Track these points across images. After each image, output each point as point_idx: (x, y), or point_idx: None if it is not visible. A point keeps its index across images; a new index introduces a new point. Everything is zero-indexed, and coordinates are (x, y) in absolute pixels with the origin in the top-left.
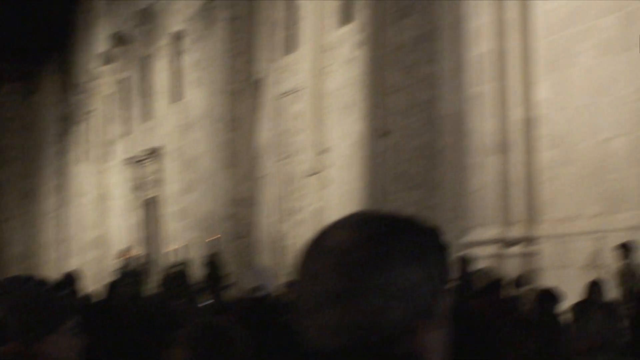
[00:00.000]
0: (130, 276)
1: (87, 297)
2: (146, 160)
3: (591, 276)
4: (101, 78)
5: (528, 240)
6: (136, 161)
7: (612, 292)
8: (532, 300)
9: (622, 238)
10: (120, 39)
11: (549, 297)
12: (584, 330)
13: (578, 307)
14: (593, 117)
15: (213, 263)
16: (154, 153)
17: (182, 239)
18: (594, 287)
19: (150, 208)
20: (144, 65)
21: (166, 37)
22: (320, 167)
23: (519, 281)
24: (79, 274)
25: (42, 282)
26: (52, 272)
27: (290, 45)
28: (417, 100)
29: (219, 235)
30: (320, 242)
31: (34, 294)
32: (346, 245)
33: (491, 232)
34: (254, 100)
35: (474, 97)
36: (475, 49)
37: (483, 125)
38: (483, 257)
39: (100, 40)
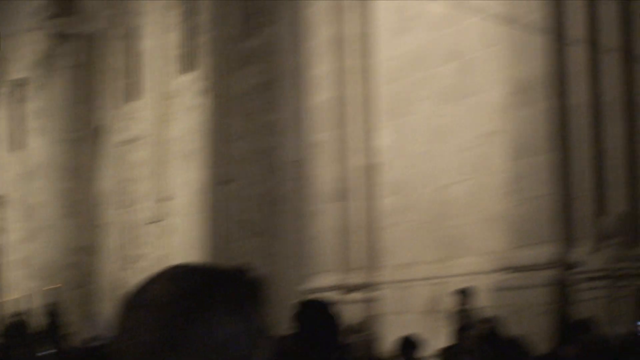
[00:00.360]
0: None
1: None
2: None
3: (451, 322)
4: None
5: (368, 286)
6: None
7: (450, 336)
8: (394, 346)
9: (461, 283)
10: None
11: (409, 343)
12: None
13: (447, 352)
14: (432, 163)
15: (53, 312)
16: None
17: (23, 288)
18: (463, 333)
19: None
20: None
21: (8, 85)
22: (162, 214)
23: (358, 327)
24: None
25: None
26: None
27: (132, 92)
28: (258, 148)
29: (60, 285)
30: (139, 296)
31: None
32: (164, 299)
33: (332, 278)
34: (96, 149)
35: (315, 144)
36: (316, 97)
37: (324, 172)
38: None
39: None
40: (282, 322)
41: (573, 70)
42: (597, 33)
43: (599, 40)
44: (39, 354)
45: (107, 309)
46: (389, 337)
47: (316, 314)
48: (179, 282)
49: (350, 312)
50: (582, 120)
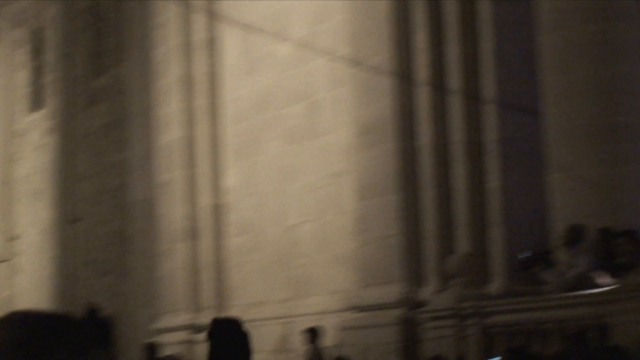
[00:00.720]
0: None
1: None
2: None
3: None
4: None
5: None
6: None
7: None
8: None
9: (309, 322)
10: None
11: None
12: None
13: None
14: (281, 203)
15: None
16: None
17: None
18: None
19: None
20: None
21: None
22: (10, 254)
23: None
24: None
25: None
26: None
27: None
28: (107, 187)
29: None
30: None
31: None
32: (6, 345)
33: (181, 318)
34: None
35: (164, 184)
36: (165, 136)
37: (173, 211)
38: (173, 344)
39: None
40: None
41: (420, 111)
42: (443, 75)
43: (445, 82)
44: None
45: None
46: None
47: (229, 332)
48: (21, 328)
49: (200, 352)
50: (429, 160)
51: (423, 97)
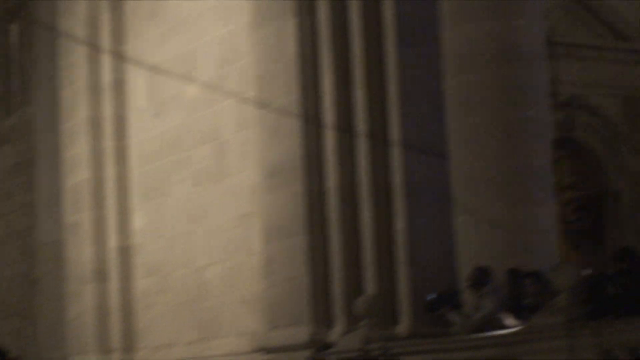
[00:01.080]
0: None
1: None
2: None
3: None
4: None
5: None
6: None
7: None
8: None
9: None
10: None
11: None
12: None
13: None
14: (188, 245)
15: None
16: None
17: None
18: None
19: None
20: None
21: None
22: None
23: None
24: None
25: None
26: None
27: None
28: (14, 229)
29: None
30: None
31: None
32: None
33: None
34: None
35: (72, 225)
36: (72, 178)
37: (80, 253)
38: None
39: None
40: None
41: (327, 153)
42: (350, 117)
43: (352, 124)
44: None
45: None
46: None
47: None
48: None
49: None
50: (336, 202)
51: (330, 139)
